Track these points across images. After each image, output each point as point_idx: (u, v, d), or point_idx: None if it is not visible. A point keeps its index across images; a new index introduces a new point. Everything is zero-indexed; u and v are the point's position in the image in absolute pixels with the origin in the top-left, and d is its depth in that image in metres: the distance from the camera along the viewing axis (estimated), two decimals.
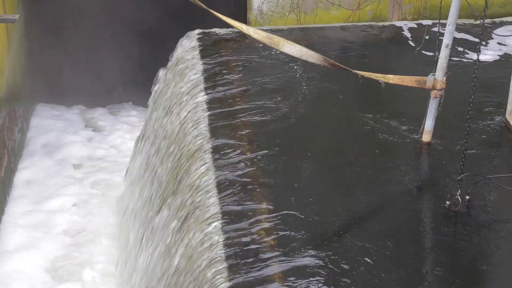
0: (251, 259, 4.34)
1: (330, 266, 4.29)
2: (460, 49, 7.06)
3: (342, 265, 4.31)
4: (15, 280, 6.86)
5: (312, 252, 4.38)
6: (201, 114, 5.91)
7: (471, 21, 7.66)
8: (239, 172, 5.13)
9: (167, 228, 5.37)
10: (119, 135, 9.41)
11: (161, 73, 7.21)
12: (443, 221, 4.73)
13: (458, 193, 4.77)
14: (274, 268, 4.26)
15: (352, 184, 5.07)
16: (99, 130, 9.60)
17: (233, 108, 5.98)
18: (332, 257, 4.35)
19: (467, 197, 4.80)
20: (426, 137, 5.49)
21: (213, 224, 4.69)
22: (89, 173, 8.56)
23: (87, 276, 6.94)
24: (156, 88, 7.21)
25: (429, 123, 5.44)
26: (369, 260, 4.35)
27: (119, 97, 10.16)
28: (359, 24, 7.90)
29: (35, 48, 9.70)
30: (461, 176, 4.79)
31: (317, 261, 4.31)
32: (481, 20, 4.78)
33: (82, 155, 8.88)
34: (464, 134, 4.83)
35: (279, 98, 6.11)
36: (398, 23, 7.83)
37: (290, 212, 4.74)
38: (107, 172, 8.58)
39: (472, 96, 4.80)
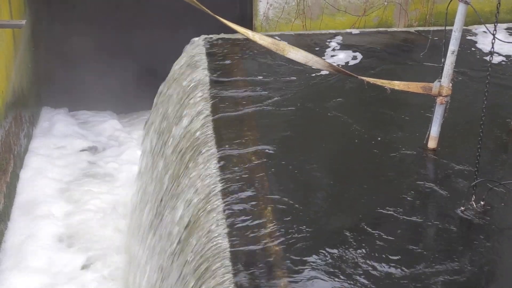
0: None
1: (336, 273, 4.29)
2: None
3: (351, 269, 4.31)
4: None
5: (317, 260, 4.37)
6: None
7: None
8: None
9: None
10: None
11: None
12: (458, 227, 4.70)
13: (472, 199, 4.76)
14: None
15: (357, 192, 5.05)
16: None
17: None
18: (338, 264, 4.35)
19: (482, 203, 4.78)
20: (432, 143, 5.47)
21: None
22: None
23: None
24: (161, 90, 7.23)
25: (434, 130, 5.43)
26: (382, 266, 4.34)
27: None
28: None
29: (42, 53, 9.72)
30: (476, 181, 4.77)
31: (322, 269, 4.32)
32: (486, 25, 4.78)
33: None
34: (478, 140, 4.80)
35: None
36: None
37: (293, 214, 4.75)
38: None
39: (485, 102, 4.77)
